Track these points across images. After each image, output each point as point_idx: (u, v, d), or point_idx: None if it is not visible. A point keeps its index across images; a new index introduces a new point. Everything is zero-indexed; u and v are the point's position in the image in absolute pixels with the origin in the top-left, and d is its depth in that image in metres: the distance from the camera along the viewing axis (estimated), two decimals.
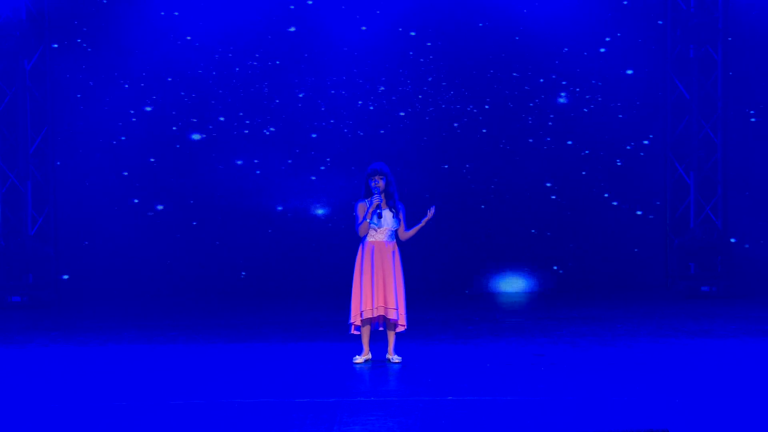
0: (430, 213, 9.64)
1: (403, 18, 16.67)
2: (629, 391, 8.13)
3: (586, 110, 16.62)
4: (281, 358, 10.37)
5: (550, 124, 16.62)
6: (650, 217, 16.68)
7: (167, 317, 14.29)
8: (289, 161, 16.71)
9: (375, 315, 9.64)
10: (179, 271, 16.59)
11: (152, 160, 16.60)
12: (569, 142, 16.66)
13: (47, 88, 16.21)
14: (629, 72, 16.54)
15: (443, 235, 16.20)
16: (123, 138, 16.57)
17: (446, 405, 7.70)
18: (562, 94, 16.62)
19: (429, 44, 16.75)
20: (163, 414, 7.55)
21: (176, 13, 16.43)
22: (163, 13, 16.43)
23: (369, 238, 9.72)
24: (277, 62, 16.69)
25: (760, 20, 16.27)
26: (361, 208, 9.72)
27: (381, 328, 9.89)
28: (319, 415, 7.35)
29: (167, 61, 16.49)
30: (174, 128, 16.62)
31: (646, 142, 16.63)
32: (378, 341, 10.31)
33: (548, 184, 16.69)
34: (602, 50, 16.50)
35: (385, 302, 9.62)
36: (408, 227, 9.85)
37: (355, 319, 9.70)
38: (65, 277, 16.45)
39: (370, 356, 9.84)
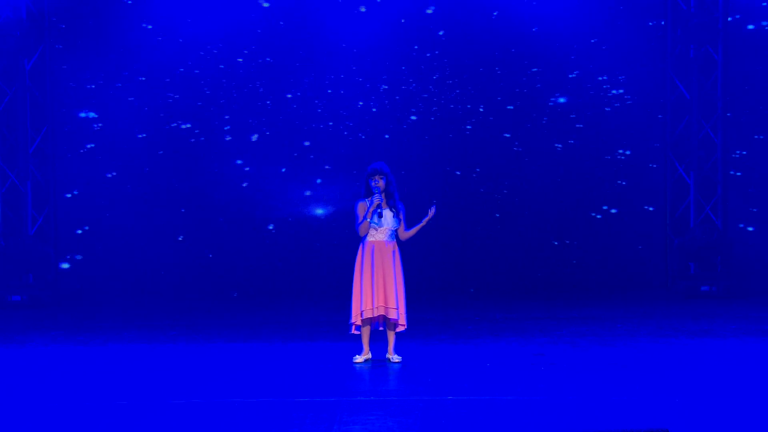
0: (431, 213, 9.64)
1: (405, 10, 16.50)
2: (629, 391, 8.13)
3: (585, 110, 16.61)
4: (281, 357, 10.37)
5: (549, 124, 16.61)
6: (650, 216, 16.67)
7: (167, 317, 14.30)
8: (291, 159, 16.67)
9: (375, 315, 9.64)
10: (179, 270, 16.59)
11: (152, 160, 16.58)
12: (570, 142, 16.65)
13: (47, 88, 16.20)
14: (629, 72, 16.53)
15: (443, 234, 16.19)
16: (122, 137, 16.55)
17: (446, 404, 7.70)
18: (561, 94, 16.61)
19: (440, 33, 16.52)
20: (164, 413, 7.55)
21: (176, 13, 16.42)
22: (162, 13, 16.42)
23: (369, 238, 9.72)
24: (268, 59, 16.60)
25: (760, 19, 16.28)
26: (362, 207, 9.72)
27: (381, 328, 9.89)
28: (319, 415, 7.35)
29: (167, 60, 16.47)
30: (172, 127, 16.60)
31: (646, 141, 16.63)
32: (378, 341, 10.31)
33: (548, 184, 16.70)
34: (602, 49, 16.48)
35: (386, 302, 9.62)
36: (408, 227, 9.85)
37: (355, 318, 9.70)
38: (65, 266, 16.42)
39: (370, 356, 9.84)
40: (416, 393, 8.22)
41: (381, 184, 9.65)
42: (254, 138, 16.62)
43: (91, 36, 16.44)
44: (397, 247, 9.79)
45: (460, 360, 9.98)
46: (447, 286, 16.51)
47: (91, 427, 7.13)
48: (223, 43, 16.57)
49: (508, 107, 16.65)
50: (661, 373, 9.05)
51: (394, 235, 9.78)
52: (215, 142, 16.68)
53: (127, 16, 16.41)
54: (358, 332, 9.79)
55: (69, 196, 16.44)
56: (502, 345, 11.01)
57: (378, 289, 9.62)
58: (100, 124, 16.55)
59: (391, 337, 9.83)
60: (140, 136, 16.57)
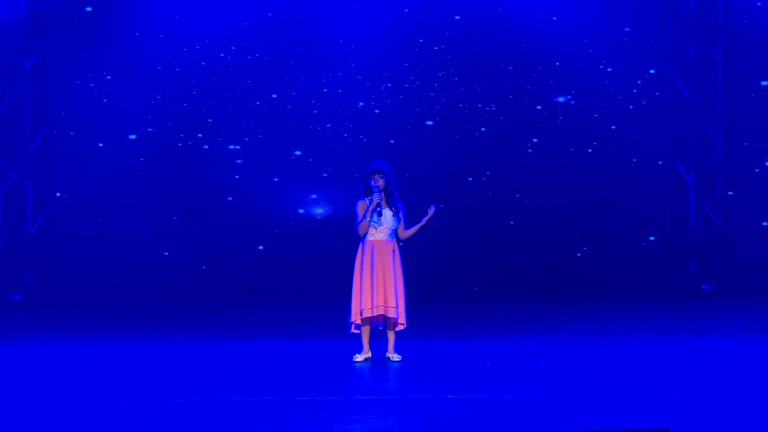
0: (431, 212, 9.64)
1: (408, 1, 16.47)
2: (629, 390, 8.13)
3: (585, 109, 16.60)
4: (281, 356, 10.38)
5: (547, 123, 16.61)
6: (650, 215, 16.67)
7: (168, 316, 14.30)
8: (290, 159, 16.66)
9: (375, 314, 9.64)
10: (179, 269, 16.58)
11: (152, 159, 16.58)
12: (569, 141, 16.64)
13: (47, 87, 16.20)
14: (629, 70, 16.53)
15: (442, 233, 16.19)
16: (122, 137, 16.56)
17: (446, 403, 7.71)
18: (560, 93, 16.61)
19: (451, 22, 16.46)
20: (164, 413, 7.55)
21: (176, 13, 16.42)
22: (163, 12, 16.41)
23: (369, 237, 9.72)
24: (257, 54, 16.53)
25: (760, 18, 16.27)
26: (361, 206, 9.72)
27: (381, 327, 9.90)
28: (319, 414, 7.36)
29: (167, 59, 16.47)
30: (172, 126, 16.60)
31: (645, 140, 16.62)
32: (378, 340, 10.32)
33: (547, 183, 16.70)
34: (602, 49, 16.48)
35: (385, 301, 9.63)
36: (408, 226, 9.85)
37: (355, 317, 9.71)
38: (58, 194, 16.32)
39: (370, 355, 9.85)
40: (416, 392, 8.22)
41: (380, 183, 9.65)
42: (260, 137, 16.61)
43: (90, 35, 16.43)
44: (396, 246, 9.79)
45: (460, 359, 9.98)
46: (447, 284, 16.50)
47: (91, 427, 7.13)
48: (223, 42, 16.54)
49: (506, 107, 16.63)
50: (661, 371, 9.05)
51: (394, 234, 9.79)
52: (215, 142, 16.66)
53: (127, 16, 16.40)
54: (358, 331, 9.79)
55: (58, 195, 16.39)
56: (502, 344, 11.02)
57: (378, 288, 9.62)
58: (100, 123, 16.54)
59: (391, 336, 9.84)
60: (140, 134, 16.55)
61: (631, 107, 16.59)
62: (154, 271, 16.56)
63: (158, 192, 16.60)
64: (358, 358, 9.80)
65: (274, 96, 16.62)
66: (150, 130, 16.57)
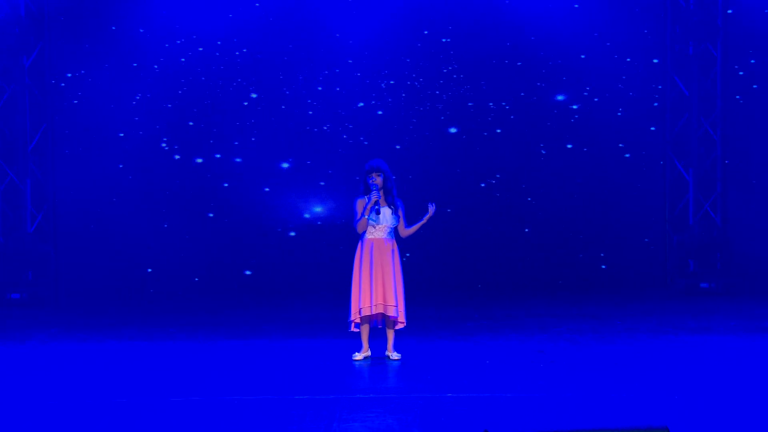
0: (431, 210, 9.64)
1: None
2: (629, 388, 8.13)
3: (585, 108, 16.60)
4: (281, 355, 10.37)
5: (547, 122, 16.61)
6: (649, 214, 16.67)
7: (167, 314, 14.30)
8: (288, 162, 16.63)
9: (374, 312, 9.64)
10: (179, 268, 16.58)
11: (152, 157, 16.57)
12: (570, 139, 16.64)
13: (46, 86, 16.20)
14: (628, 69, 16.53)
15: (442, 232, 16.18)
16: (122, 135, 16.55)
17: (446, 402, 7.71)
18: (560, 92, 16.61)
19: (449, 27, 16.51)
20: (163, 411, 7.55)
21: (177, 11, 16.41)
22: (162, 10, 16.40)
23: (368, 235, 9.72)
24: (242, 51, 16.52)
25: (760, 17, 16.28)
26: (360, 204, 9.72)
27: (380, 326, 9.89)
28: (319, 412, 7.36)
29: (166, 58, 16.46)
30: (173, 124, 16.59)
31: (645, 139, 16.63)
32: (377, 338, 10.32)
33: (547, 182, 16.70)
34: (601, 48, 16.48)
35: (385, 299, 9.62)
36: (408, 224, 9.85)
37: (354, 316, 9.70)
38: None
39: (369, 353, 9.85)
40: (416, 390, 8.22)
41: (379, 181, 9.65)
42: (259, 136, 16.59)
43: (90, 33, 16.42)
44: (396, 244, 9.79)
45: (459, 357, 9.98)
46: (446, 283, 16.50)
47: (90, 425, 7.13)
48: (223, 39, 16.50)
49: (505, 106, 16.62)
50: (661, 370, 9.05)
51: (393, 232, 9.78)
52: (215, 140, 16.65)
53: (126, 14, 16.39)
54: (357, 330, 9.79)
55: (67, 193, 16.42)
56: (502, 342, 11.02)
57: (377, 287, 9.62)
58: (99, 122, 16.53)
59: (391, 335, 9.84)
60: (141, 133, 16.55)
61: (630, 106, 16.59)
62: (154, 269, 16.55)
63: (158, 190, 16.59)
64: (358, 356, 9.80)
65: (257, 95, 16.62)
66: (150, 127, 16.55)
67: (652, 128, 16.61)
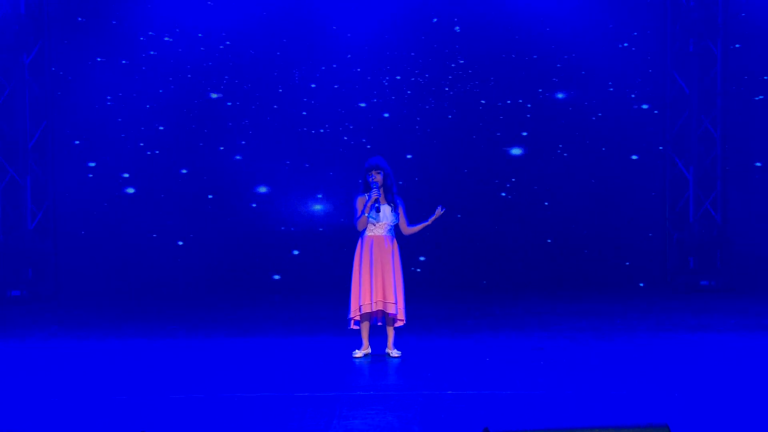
0: (439, 212, 9.64)
1: None
2: (628, 386, 8.13)
3: (584, 105, 16.59)
4: (281, 352, 10.38)
5: (548, 120, 16.60)
6: (649, 211, 16.67)
7: (167, 311, 14.30)
8: (292, 154, 16.61)
9: (374, 309, 9.64)
10: (179, 265, 16.58)
11: (152, 154, 16.57)
12: (570, 137, 16.64)
13: (46, 83, 16.19)
14: (628, 66, 16.52)
15: (442, 229, 16.16)
16: (122, 133, 16.55)
17: (446, 399, 7.71)
18: (560, 90, 16.60)
19: (456, 29, 16.45)
20: (163, 408, 7.55)
21: (178, 8, 16.40)
22: (162, 6, 16.39)
23: (368, 233, 9.72)
24: (229, 46, 16.46)
25: (760, 14, 16.27)
26: (360, 202, 9.72)
27: (380, 323, 9.90)
28: (319, 409, 7.36)
29: (167, 54, 16.45)
30: (173, 121, 16.58)
31: (645, 136, 16.62)
32: (377, 336, 10.32)
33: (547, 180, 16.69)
34: (601, 45, 16.47)
35: (384, 296, 9.63)
36: (410, 222, 9.86)
37: (354, 313, 9.71)
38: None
39: (369, 350, 9.85)
40: (416, 388, 8.23)
41: (378, 178, 9.65)
42: (260, 133, 16.57)
43: (90, 30, 16.41)
44: (396, 242, 9.79)
45: (459, 355, 9.98)
46: (446, 280, 16.50)
47: (90, 422, 7.13)
48: (225, 36, 16.45)
49: (507, 102, 16.61)
50: (661, 367, 9.05)
51: (393, 230, 9.78)
52: (215, 137, 16.64)
53: (126, 11, 16.38)
54: (357, 327, 9.79)
55: (68, 190, 16.41)
56: (502, 339, 11.02)
57: (377, 284, 9.62)
58: (99, 119, 16.52)
59: (390, 332, 9.84)
60: (141, 129, 16.54)
61: (631, 103, 16.58)
62: (154, 267, 16.55)
63: (158, 188, 16.58)
64: (358, 354, 9.80)
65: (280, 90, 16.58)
66: (150, 124, 16.55)
67: (653, 126, 16.60)
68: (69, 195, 16.47)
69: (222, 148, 16.62)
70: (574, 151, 16.66)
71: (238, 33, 16.44)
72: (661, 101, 16.52)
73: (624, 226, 16.65)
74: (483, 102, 16.56)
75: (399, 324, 9.80)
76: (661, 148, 16.50)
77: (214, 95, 16.47)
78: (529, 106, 16.61)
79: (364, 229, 9.73)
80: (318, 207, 16.69)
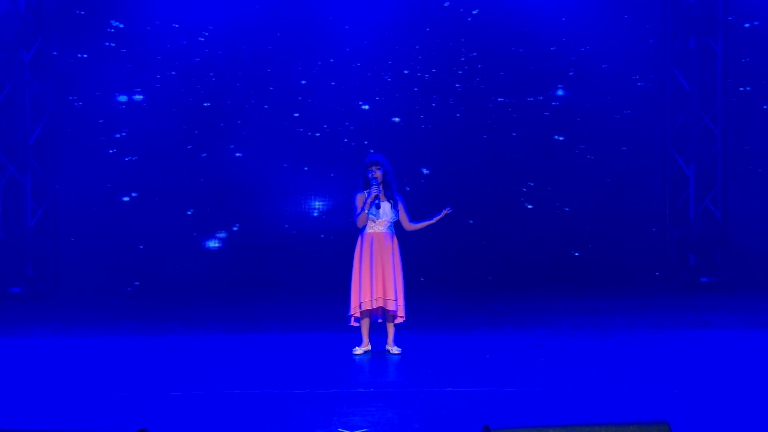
0: (445, 212, 9.64)
1: None
2: (628, 383, 8.13)
3: (585, 103, 16.59)
4: (281, 349, 10.38)
5: (548, 116, 16.59)
6: (650, 208, 16.67)
7: (167, 309, 14.30)
8: (284, 168, 16.55)
9: (374, 306, 9.65)
10: (179, 262, 16.58)
11: (152, 151, 16.55)
12: (570, 134, 16.62)
13: (46, 80, 16.18)
14: (629, 63, 16.51)
15: (442, 226, 16.11)
16: (123, 130, 16.54)
17: (446, 396, 7.71)
18: (560, 86, 16.59)
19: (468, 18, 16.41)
20: (163, 405, 7.55)
21: (178, 5, 16.38)
22: (164, 4, 16.37)
23: (368, 230, 9.72)
24: (246, 46, 16.44)
25: (760, 11, 16.26)
26: (360, 199, 9.72)
27: (380, 320, 9.90)
28: (319, 406, 7.36)
29: (167, 51, 16.43)
30: (173, 118, 16.57)
31: (645, 133, 16.62)
32: (377, 332, 10.32)
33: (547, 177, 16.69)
34: (601, 42, 16.46)
35: (384, 293, 9.63)
36: (411, 218, 9.86)
37: (354, 310, 9.71)
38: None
39: (369, 347, 9.85)
40: (416, 384, 8.23)
41: (378, 175, 9.65)
42: (260, 130, 16.55)
43: (90, 27, 16.39)
44: (396, 239, 9.79)
45: (459, 351, 9.99)
46: (446, 277, 16.50)
47: (90, 419, 7.13)
48: (224, 29, 16.41)
49: (508, 100, 16.60)
50: (661, 364, 9.05)
51: (393, 226, 9.79)
52: (215, 135, 16.63)
53: (127, 6, 16.36)
54: (357, 324, 9.80)
55: (68, 187, 16.40)
56: (502, 336, 11.02)
57: (377, 281, 9.62)
58: (99, 116, 16.52)
59: (391, 329, 9.84)
60: (141, 126, 16.52)
61: (631, 100, 16.57)
62: (154, 264, 16.54)
63: (158, 185, 16.57)
64: (358, 350, 9.80)
65: (270, 88, 16.57)
66: (150, 121, 16.53)
67: (653, 123, 16.59)
68: (69, 192, 16.46)
69: (223, 145, 16.59)
70: (573, 149, 16.64)
71: (249, 29, 16.35)
72: (662, 98, 16.51)
73: (624, 223, 16.64)
74: (483, 100, 16.54)
75: (399, 321, 9.80)
76: (656, 137, 16.50)
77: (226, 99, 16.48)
78: (527, 102, 16.59)
79: (364, 226, 9.73)
80: (318, 204, 16.67)
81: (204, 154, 16.58)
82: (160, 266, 16.55)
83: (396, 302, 9.64)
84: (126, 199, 16.53)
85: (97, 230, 16.52)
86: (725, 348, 10.03)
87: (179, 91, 16.50)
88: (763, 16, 16.27)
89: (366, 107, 16.26)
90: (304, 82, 16.24)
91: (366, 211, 9.65)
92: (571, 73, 16.53)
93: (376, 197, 9.62)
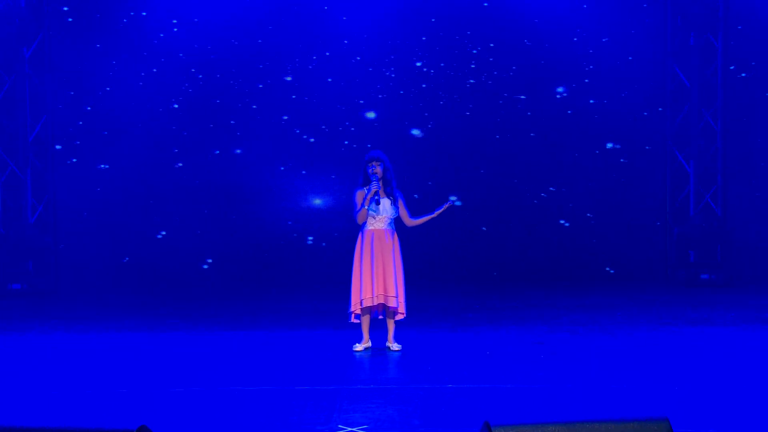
0: (446, 206, 9.63)
1: None
2: (629, 379, 8.13)
3: (585, 99, 16.58)
4: (281, 345, 10.38)
5: (548, 113, 16.59)
6: (650, 205, 16.67)
7: (167, 305, 14.30)
8: (284, 167, 16.53)
9: (375, 303, 9.64)
10: (179, 259, 16.59)
11: (152, 148, 16.56)
12: (570, 130, 16.63)
13: (47, 76, 16.18)
14: (629, 60, 16.50)
15: (443, 223, 16.14)
16: (123, 126, 16.54)
17: (446, 393, 7.71)
18: (560, 83, 16.58)
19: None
20: (164, 401, 7.55)
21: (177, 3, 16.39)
22: (163, 2, 16.38)
23: (368, 226, 9.71)
24: (249, 43, 16.46)
25: (761, 8, 16.25)
26: (360, 195, 9.72)
27: (380, 317, 9.90)
28: (319, 403, 7.36)
29: (167, 48, 16.43)
30: (173, 115, 16.57)
31: (646, 130, 16.62)
32: (378, 329, 10.32)
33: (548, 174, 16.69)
34: (603, 39, 16.46)
35: (385, 290, 9.63)
36: (412, 214, 9.86)
37: (354, 307, 9.71)
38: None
39: (369, 344, 9.85)
40: (416, 381, 8.23)
41: (378, 171, 9.65)
42: (259, 129, 16.55)
43: (91, 23, 16.39)
44: (396, 235, 9.78)
45: (459, 348, 9.98)
46: (447, 274, 16.51)
47: (91, 415, 7.13)
48: (229, 28, 16.41)
49: (508, 98, 16.59)
50: (661, 361, 9.05)
51: (393, 223, 9.78)
52: (215, 132, 16.63)
53: (127, 4, 16.36)
54: (358, 321, 9.80)
55: (68, 184, 16.41)
56: (502, 333, 11.02)
57: (377, 278, 9.62)
58: (99, 112, 16.52)
59: (391, 326, 9.84)
60: (141, 124, 16.53)
61: (631, 97, 16.57)
62: (154, 260, 16.55)
63: (158, 182, 16.58)
64: (358, 347, 9.80)
65: (265, 83, 16.54)
66: (151, 118, 16.54)
67: (653, 119, 16.59)
68: (69, 189, 16.46)
69: (227, 144, 16.61)
70: (574, 145, 16.65)
71: (250, 25, 16.36)
72: (662, 95, 16.50)
73: (625, 220, 16.65)
74: (493, 97, 16.54)
75: (399, 317, 9.80)
76: (656, 134, 16.50)
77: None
78: (528, 99, 16.59)
79: (365, 223, 9.72)
80: (318, 201, 16.67)
81: (217, 152, 16.58)
82: (160, 264, 16.55)
83: (397, 299, 9.64)
84: (126, 196, 16.54)
85: (97, 227, 16.52)
86: (725, 345, 10.03)
87: (183, 87, 16.49)
88: (764, 12, 16.26)
89: (372, 115, 16.18)
90: (289, 78, 16.16)
91: (366, 208, 9.64)
92: (570, 70, 16.53)
93: (376, 193, 9.61)
